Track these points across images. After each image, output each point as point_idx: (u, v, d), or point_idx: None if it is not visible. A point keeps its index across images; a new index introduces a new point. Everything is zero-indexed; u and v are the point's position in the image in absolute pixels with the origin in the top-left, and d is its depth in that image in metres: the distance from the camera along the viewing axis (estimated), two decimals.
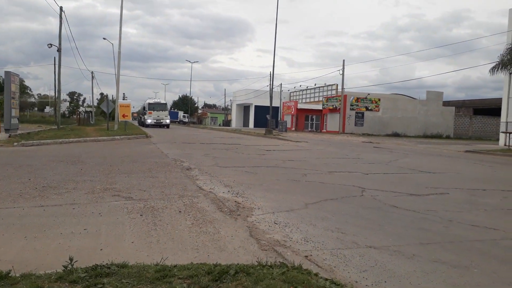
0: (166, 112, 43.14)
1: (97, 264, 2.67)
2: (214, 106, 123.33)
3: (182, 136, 24.46)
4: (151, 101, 45.29)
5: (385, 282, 2.94)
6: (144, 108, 45.39)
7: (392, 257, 3.47)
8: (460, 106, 52.29)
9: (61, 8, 27.32)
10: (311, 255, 3.44)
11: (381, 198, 6.16)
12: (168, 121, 42.25)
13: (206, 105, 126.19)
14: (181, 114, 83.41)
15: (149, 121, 41.16)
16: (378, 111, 45.72)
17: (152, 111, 41.82)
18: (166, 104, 45.54)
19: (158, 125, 41.13)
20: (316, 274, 2.70)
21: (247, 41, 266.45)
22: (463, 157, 16.40)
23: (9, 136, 15.48)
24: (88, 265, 2.70)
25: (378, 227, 4.45)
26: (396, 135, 43.83)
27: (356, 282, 2.91)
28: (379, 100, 45.84)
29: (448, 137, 44.70)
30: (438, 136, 44.40)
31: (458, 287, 2.93)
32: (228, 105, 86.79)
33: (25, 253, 3.35)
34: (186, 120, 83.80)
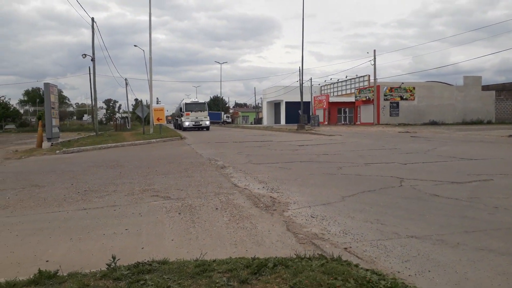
0: (206, 113, 37.61)
1: (139, 262, 2.73)
2: (245, 105, 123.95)
3: (216, 136, 24.71)
4: (188, 101, 39.29)
5: (429, 271, 2.86)
6: (180, 109, 39.25)
7: (435, 247, 3.36)
8: (500, 89, 49.98)
9: (92, 19, 28.23)
10: (351, 247, 3.39)
11: (421, 187, 5.99)
12: (208, 122, 37.20)
13: (237, 105, 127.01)
14: (223, 114, 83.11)
15: (187, 123, 36.39)
16: (414, 99, 44.48)
17: (189, 112, 36.66)
18: (205, 103, 39.33)
19: (197, 127, 36.80)
20: (356, 265, 2.65)
21: (275, 38, 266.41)
22: (506, 142, 15.68)
23: (52, 145, 16.16)
24: (131, 263, 2.78)
25: (419, 217, 4.32)
26: (433, 123, 42.52)
27: (399, 272, 2.84)
28: (414, 88, 44.59)
29: (489, 123, 42.91)
30: (479, 122, 42.72)
31: (509, 275, 2.79)
32: (258, 103, 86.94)
33: (71, 254, 3.48)
34: (229, 120, 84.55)
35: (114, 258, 2.69)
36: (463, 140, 16.71)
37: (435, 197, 5.31)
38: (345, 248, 3.36)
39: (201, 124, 36.73)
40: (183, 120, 37.15)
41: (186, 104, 37.63)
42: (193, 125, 36.41)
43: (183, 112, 37.25)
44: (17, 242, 3.84)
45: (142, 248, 3.55)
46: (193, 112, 36.71)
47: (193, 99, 40.88)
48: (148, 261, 2.76)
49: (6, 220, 4.67)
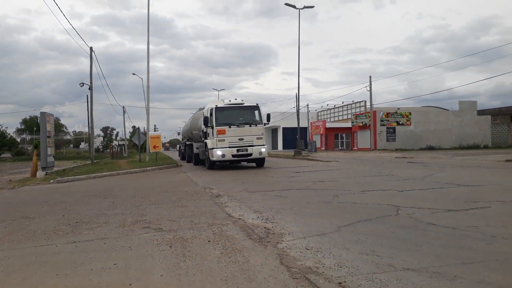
0: (260, 129, 18.11)
1: None
2: None
3: None
4: (222, 104, 18.82)
5: None
6: (205, 121, 18.37)
7: (432, 280, 3.26)
8: (496, 114, 50.06)
9: (91, 48, 28.56)
10: (345, 281, 3.29)
11: (418, 216, 5.89)
12: (263, 149, 17.98)
13: None
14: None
15: (219, 152, 17.37)
16: (410, 125, 44.73)
17: (225, 128, 17.54)
18: (257, 107, 18.67)
19: (242, 159, 18.33)
20: None
21: (272, 65, 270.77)
22: (503, 167, 15.65)
23: (46, 174, 16.03)
24: None
25: (415, 248, 4.22)
26: (430, 148, 42.61)
27: None
28: (410, 113, 44.91)
29: (486, 147, 43.05)
30: (475, 147, 42.86)
31: None
32: None
33: None
34: None
35: None
36: (460, 166, 16.68)
37: (432, 226, 5.22)
38: (340, 283, 3.25)
39: (250, 154, 17.56)
40: (209, 146, 17.94)
41: (217, 109, 17.86)
42: (233, 155, 17.36)
43: (211, 127, 17.82)
44: (1, 279, 3.71)
45: (130, 284, 3.43)
46: (232, 128, 17.48)
47: (231, 100, 19.09)
48: None
49: None
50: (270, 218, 6.01)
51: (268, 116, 18.15)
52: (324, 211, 6.65)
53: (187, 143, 26.83)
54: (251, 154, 17.53)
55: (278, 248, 4.37)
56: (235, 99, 18.96)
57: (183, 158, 30.61)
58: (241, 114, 18.09)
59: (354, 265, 3.70)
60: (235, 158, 17.59)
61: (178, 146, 38.96)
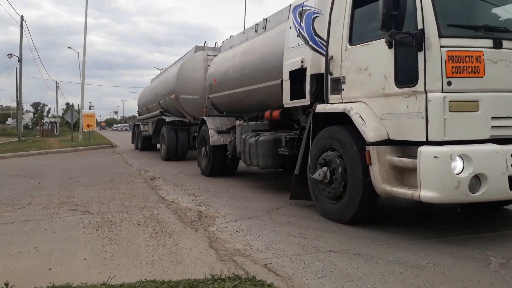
0: None
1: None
2: None
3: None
4: None
5: (343, 287, 2.92)
6: (368, 23, 4.33)
7: (352, 261, 3.45)
8: None
9: (21, 17, 26.47)
10: (271, 263, 3.38)
11: None
12: None
13: None
14: None
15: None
16: None
17: (487, 46, 3.50)
18: None
19: None
20: (270, 285, 2.63)
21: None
22: None
23: None
24: None
25: (340, 230, 4.43)
26: None
27: None
28: None
29: None
30: None
31: (414, 287, 2.93)
32: None
33: None
34: None
35: (7, 285, 2.44)
36: None
37: None
38: (265, 265, 3.34)
39: None
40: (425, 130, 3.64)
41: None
42: None
43: (418, 47, 3.57)
44: None
45: (50, 269, 3.29)
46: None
47: None
48: (48, 286, 2.54)
49: None
50: (205, 201, 6.01)
51: None
52: (259, 194, 6.77)
53: (168, 119, 12.93)
54: None
55: (209, 231, 4.39)
56: None
57: (143, 148, 17.28)
58: None
59: (281, 247, 3.82)
60: None
61: (132, 126, 21.93)
